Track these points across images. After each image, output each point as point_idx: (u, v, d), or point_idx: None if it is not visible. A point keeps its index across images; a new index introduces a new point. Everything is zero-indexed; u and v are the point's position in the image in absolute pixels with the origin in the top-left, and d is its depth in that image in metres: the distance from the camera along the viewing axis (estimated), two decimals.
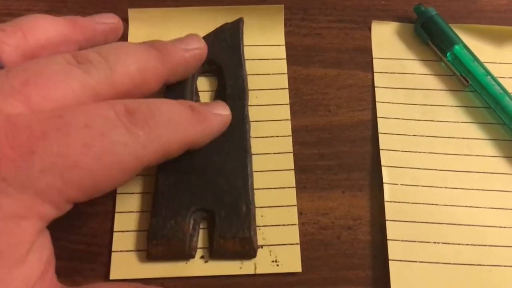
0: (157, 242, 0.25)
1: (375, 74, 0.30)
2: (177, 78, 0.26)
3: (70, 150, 0.19)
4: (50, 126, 0.19)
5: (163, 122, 0.22)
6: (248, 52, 0.30)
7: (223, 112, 0.26)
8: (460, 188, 0.27)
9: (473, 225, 0.26)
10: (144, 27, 0.30)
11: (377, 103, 0.29)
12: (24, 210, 0.18)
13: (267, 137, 0.28)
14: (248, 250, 0.25)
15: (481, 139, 0.28)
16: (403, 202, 0.26)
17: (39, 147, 0.19)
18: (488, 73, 0.29)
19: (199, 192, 0.25)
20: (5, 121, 0.19)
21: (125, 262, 0.25)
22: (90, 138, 0.20)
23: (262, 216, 0.26)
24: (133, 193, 0.26)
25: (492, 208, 0.26)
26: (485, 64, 0.29)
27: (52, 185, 0.19)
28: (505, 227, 0.26)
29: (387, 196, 0.26)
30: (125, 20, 0.30)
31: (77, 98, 0.21)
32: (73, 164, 0.19)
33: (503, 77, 0.29)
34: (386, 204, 0.26)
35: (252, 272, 0.25)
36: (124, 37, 0.30)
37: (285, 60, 0.30)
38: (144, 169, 0.22)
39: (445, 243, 0.25)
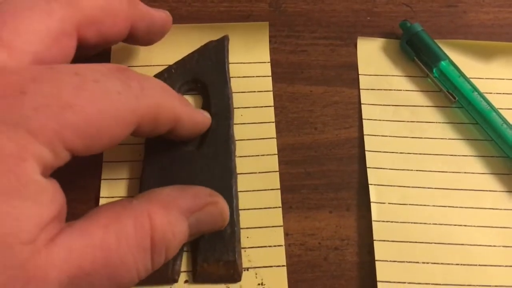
0: None
1: (361, 90, 0.29)
2: (143, 28, 0.26)
3: (62, 91, 0.19)
4: (40, 72, 0.19)
5: (155, 85, 0.22)
6: (233, 70, 0.29)
7: (206, 114, 0.26)
8: (449, 206, 0.26)
9: (462, 244, 0.25)
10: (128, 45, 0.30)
11: (363, 120, 0.28)
12: (19, 150, 0.18)
13: (253, 156, 0.27)
14: (232, 274, 0.24)
15: (469, 155, 0.28)
16: (391, 222, 0.26)
17: (30, 88, 0.18)
18: (475, 89, 0.28)
19: None
20: None
21: None
22: (82, 83, 0.19)
23: (247, 237, 0.25)
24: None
25: (481, 226, 0.26)
26: (472, 80, 0.29)
27: (45, 124, 0.18)
28: (494, 245, 0.25)
29: (374, 215, 0.26)
30: None
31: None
32: (65, 104, 0.19)
33: (490, 93, 0.29)
34: (374, 223, 0.26)
35: None
36: (107, 55, 0.30)
37: (270, 78, 0.29)
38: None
39: (434, 263, 0.25)
